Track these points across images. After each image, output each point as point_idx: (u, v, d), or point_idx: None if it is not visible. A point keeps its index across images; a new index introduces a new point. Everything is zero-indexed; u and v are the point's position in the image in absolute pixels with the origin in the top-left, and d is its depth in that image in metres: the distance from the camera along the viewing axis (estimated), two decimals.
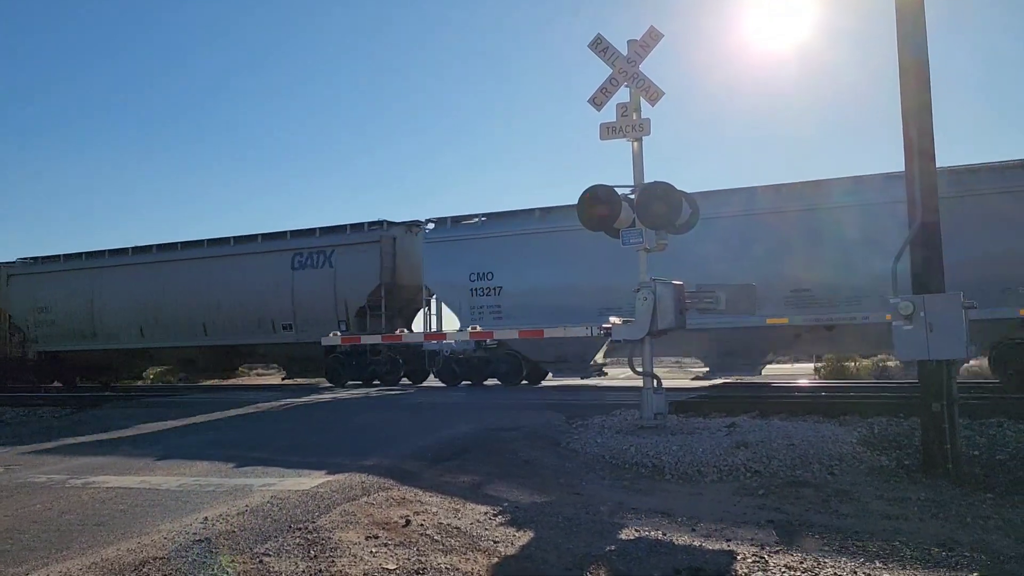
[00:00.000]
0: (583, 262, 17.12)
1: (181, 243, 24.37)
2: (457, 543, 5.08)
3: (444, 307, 20.03)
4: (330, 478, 6.84)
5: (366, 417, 12.54)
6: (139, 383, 28.77)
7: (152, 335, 24.34)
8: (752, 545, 5.04)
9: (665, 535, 5.38)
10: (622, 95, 9.56)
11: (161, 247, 24.61)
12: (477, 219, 19.81)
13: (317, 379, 23.59)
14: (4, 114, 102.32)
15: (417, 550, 4.89)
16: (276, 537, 5.04)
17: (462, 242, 19.66)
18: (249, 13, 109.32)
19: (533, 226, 18.85)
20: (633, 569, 4.61)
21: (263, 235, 23.09)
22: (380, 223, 21.69)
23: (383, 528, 5.37)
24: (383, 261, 21.38)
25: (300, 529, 5.23)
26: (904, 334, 7.10)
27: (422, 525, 5.46)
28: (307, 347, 21.47)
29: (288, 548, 4.84)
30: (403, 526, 5.43)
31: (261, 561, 4.58)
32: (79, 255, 25.89)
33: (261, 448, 9.06)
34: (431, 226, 20.44)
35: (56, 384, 26.33)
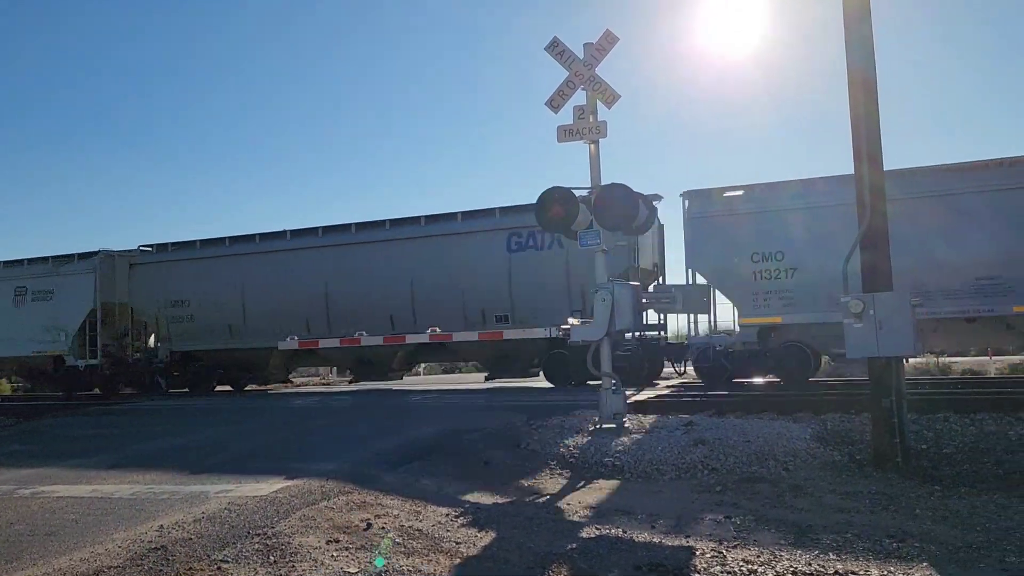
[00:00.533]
0: None
1: (355, 224, 20.42)
2: (419, 545, 5.07)
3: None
4: (289, 483, 6.77)
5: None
6: (285, 387, 23.96)
7: (318, 330, 19.89)
8: (711, 540, 5.12)
9: (625, 532, 5.43)
10: (579, 98, 9.63)
11: (328, 229, 20.88)
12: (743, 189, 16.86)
13: (519, 379, 19.91)
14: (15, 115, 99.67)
15: (379, 553, 4.86)
16: (234, 543, 4.98)
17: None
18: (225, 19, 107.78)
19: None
20: (595, 566, 4.65)
21: (463, 213, 19.35)
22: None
23: (344, 532, 5.33)
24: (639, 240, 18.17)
25: (259, 535, 5.17)
26: (854, 332, 7.28)
27: (383, 528, 5.44)
28: (520, 343, 17.85)
29: (247, 554, 4.78)
30: (364, 529, 5.40)
31: (219, 568, 4.52)
32: (222, 240, 21.84)
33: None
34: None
35: (184, 389, 21.92)
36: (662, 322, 18.58)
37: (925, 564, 4.57)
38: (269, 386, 22.83)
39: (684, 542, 5.14)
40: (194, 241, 22.10)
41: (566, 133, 9.61)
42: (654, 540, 5.23)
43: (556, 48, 9.66)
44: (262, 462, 8.32)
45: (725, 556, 4.75)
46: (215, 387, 21.87)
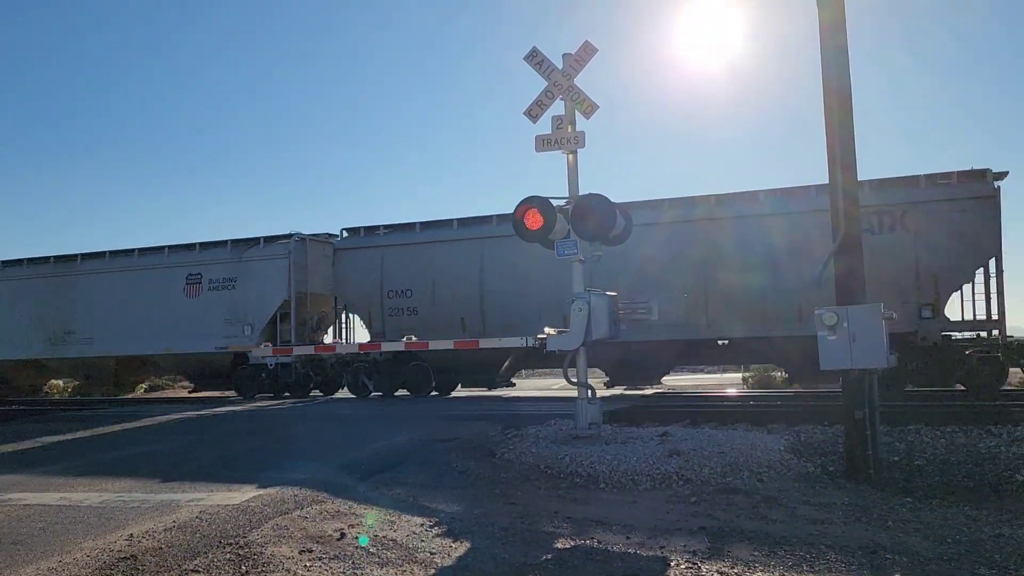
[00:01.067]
0: None
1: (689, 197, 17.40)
2: (393, 555, 5.03)
3: None
4: (261, 492, 6.70)
5: None
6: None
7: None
8: (685, 552, 5.13)
9: (601, 543, 5.43)
10: (557, 108, 9.66)
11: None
12: None
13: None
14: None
15: (352, 563, 4.82)
16: (206, 553, 4.91)
17: None
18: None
19: None
20: None
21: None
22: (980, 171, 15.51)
23: (317, 542, 5.28)
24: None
25: (231, 544, 5.10)
26: (828, 344, 7.35)
27: (357, 538, 5.39)
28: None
29: (218, 564, 4.72)
30: (338, 539, 5.35)
31: None
32: (449, 222, 19.49)
33: None
34: None
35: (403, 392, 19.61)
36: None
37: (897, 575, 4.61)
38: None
39: (659, 553, 5.14)
40: (412, 224, 19.96)
41: (544, 143, 9.63)
42: (629, 551, 5.23)
43: (535, 58, 9.68)
44: (231, 470, 8.22)
45: (700, 567, 4.76)
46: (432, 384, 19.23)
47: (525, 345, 10.38)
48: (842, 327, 7.24)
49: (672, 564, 4.85)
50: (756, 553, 5.10)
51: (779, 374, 22.49)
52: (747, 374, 23.87)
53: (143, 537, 5.24)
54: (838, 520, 5.98)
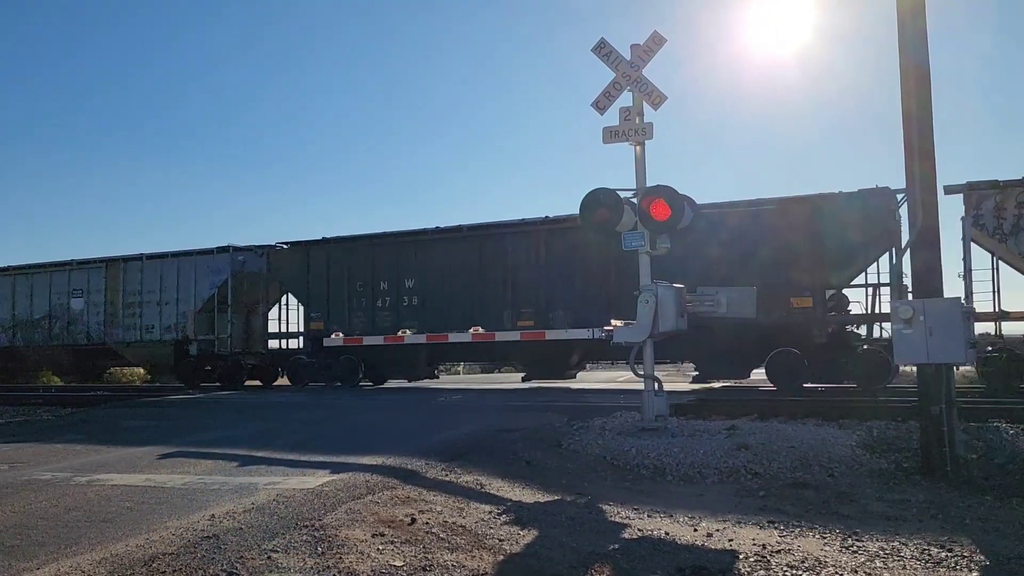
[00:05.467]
0: None
1: None
2: (463, 541, 5.13)
3: None
4: (334, 477, 6.89)
5: None
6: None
7: None
8: (754, 545, 5.10)
9: (668, 535, 5.44)
10: (625, 99, 9.62)
11: None
12: None
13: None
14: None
15: (423, 548, 4.94)
16: (283, 534, 5.09)
17: None
18: (261, 23, 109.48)
19: None
20: (637, 567, 4.66)
21: None
22: None
23: (389, 526, 5.42)
24: None
25: (307, 527, 5.28)
26: (903, 338, 7.17)
27: (427, 523, 5.51)
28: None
29: (296, 545, 4.89)
30: (409, 524, 5.48)
31: (270, 557, 4.63)
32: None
33: None
34: None
35: None
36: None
37: (974, 574, 4.50)
38: None
39: (727, 545, 5.12)
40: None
41: (611, 135, 9.60)
42: (696, 543, 5.23)
43: (603, 49, 9.66)
44: (309, 454, 8.45)
45: (769, 561, 4.74)
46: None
47: (592, 336, 10.40)
48: (919, 321, 7.05)
49: (741, 556, 4.84)
50: (827, 548, 5.04)
51: None
52: None
53: (224, 518, 5.46)
54: (912, 517, 5.86)
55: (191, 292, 22.59)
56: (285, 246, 21.99)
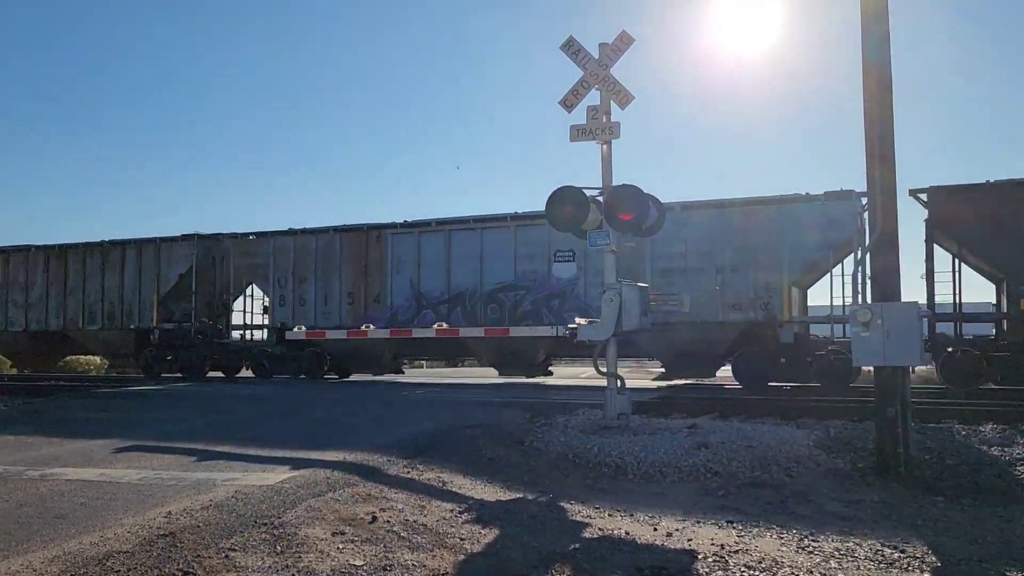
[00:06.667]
0: None
1: None
2: (424, 540, 5.11)
3: None
4: (294, 473, 6.83)
5: None
6: None
7: None
8: (712, 544, 5.16)
9: (628, 534, 5.48)
10: (593, 98, 9.65)
11: None
12: None
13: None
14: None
15: (384, 547, 4.91)
16: (242, 532, 5.03)
17: None
18: (248, 23, 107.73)
19: None
20: (597, 567, 4.69)
21: None
22: None
23: (349, 524, 5.38)
24: None
25: (266, 524, 5.22)
26: (861, 340, 7.31)
27: (388, 522, 5.49)
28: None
29: (254, 543, 4.83)
30: (369, 522, 5.45)
31: (227, 556, 4.57)
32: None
33: None
34: None
35: None
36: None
37: (926, 575, 4.60)
38: None
39: (686, 545, 5.18)
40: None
41: (579, 132, 9.63)
42: (656, 542, 5.27)
43: (571, 47, 9.68)
44: (269, 449, 8.37)
45: (727, 561, 4.79)
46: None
47: (556, 334, 10.43)
48: (876, 324, 7.19)
49: (700, 556, 4.89)
50: (784, 548, 5.12)
51: None
52: None
53: (181, 515, 5.38)
54: (867, 518, 5.97)
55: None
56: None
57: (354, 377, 21.32)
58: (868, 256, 7.74)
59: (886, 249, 7.52)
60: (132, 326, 22.43)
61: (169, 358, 22.04)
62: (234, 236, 22.04)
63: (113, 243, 23.08)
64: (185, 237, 22.20)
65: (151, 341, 22.15)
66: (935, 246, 15.81)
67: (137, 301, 22.41)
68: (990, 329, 17.13)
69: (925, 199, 15.63)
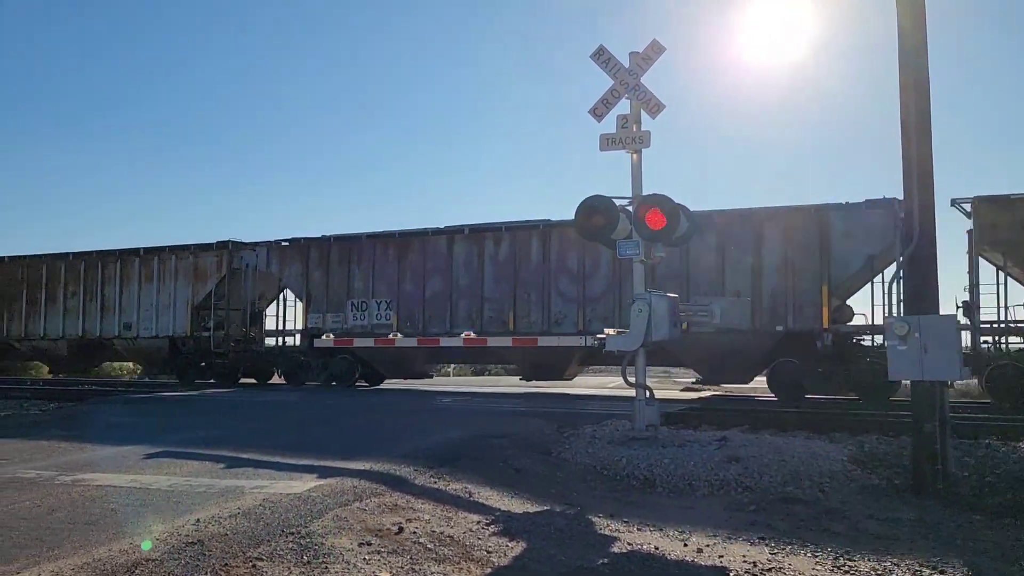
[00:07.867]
0: None
1: None
2: (451, 552, 5.07)
3: None
4: (321, 482, 6.82)
5: None
6: None
7: None
8: (745, 562, 5.06)
9: (657, 549, 5.39)
10: (623, 107, 9.59)
11: None
12: None
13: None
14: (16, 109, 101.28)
15: (410, 558, 4.88)
16: (269, 541, 5.02)
17: None
18: (246, 20, 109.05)
19: None
20: None
21: None
22: None
23: (376, 535, 5.35)
24: None
25: (293, 534, 5.21)
26: (898, 354, 7.16)
27: (415, 533, 5.45)
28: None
29: (281, 553, 4.82)
30: (396, 533, 5.42)
31: (255, 566, 4.56)
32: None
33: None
34: None
35: None
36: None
37: None
38: None
39: (718, 562, 5.08)
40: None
41: (609, 142, 9.57)
42: (686, 559, 5.18)
43: (602, 56, 9.63)
44: (297, 457, 8.38)
45: None
46: None
47: (585, 344, 10.36)
48: (913, 337, 7.03)
49: (731, 575, 4.79)
50: (818, 567, 5.00)
51: None
52: None
53: (209, 523, 5.38)
54: (904, 536, 5.82)
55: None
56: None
57: (385, 385, 21.38)
58: (905, 266, 7.58)
59: (923, 260, 7.37)
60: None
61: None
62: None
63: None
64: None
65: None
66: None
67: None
68: None
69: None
